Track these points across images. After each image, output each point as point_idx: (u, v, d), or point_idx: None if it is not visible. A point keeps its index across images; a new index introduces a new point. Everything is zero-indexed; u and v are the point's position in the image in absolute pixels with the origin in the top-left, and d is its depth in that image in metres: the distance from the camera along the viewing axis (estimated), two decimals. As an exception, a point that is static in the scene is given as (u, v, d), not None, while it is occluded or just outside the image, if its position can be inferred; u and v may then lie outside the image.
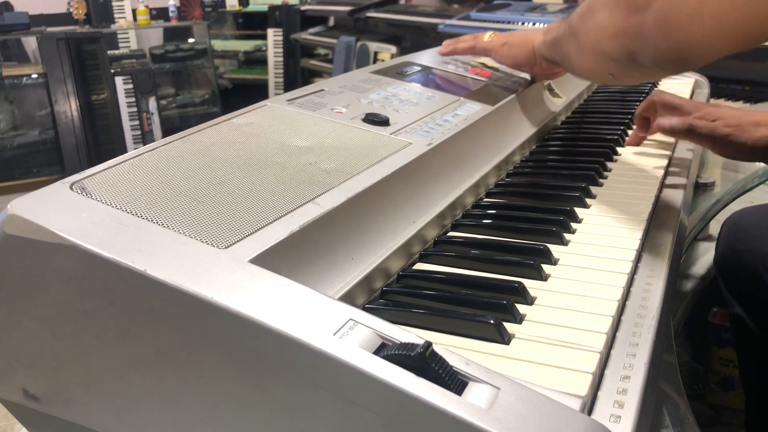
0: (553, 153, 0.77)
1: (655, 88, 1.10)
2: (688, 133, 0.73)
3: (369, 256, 0.47)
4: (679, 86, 1.12)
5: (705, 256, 0.97)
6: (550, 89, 0.94)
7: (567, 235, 0.55)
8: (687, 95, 1.06)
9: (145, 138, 3.47)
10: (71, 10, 3.58)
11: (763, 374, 0.84)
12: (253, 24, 4.30)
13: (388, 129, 0.62)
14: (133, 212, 0.40)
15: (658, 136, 0.82)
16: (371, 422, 0.30)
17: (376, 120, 0.62)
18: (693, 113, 0.75)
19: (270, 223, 0.42)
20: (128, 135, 3.44)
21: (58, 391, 0.42)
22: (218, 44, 4.28)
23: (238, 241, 0.39)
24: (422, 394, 0.29)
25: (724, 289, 0.83)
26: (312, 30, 3.90)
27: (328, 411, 0.31)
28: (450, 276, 0.49)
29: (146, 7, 3.75)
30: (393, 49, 3.09)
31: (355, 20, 3.43)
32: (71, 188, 0.42)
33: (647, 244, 0.55)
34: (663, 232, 0.57)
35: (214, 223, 0.41)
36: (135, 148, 0.50)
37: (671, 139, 0.81)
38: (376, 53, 3.16)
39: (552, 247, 0.52)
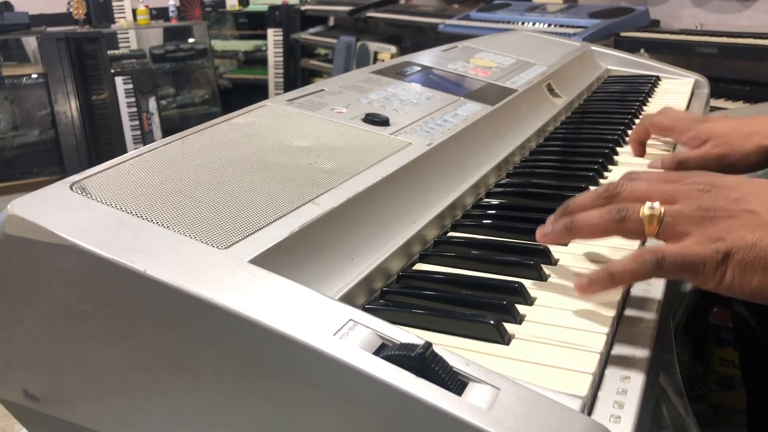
0: (553, 153, 0.77)
1: (656, 89, 1.10)
2: (680, 166, 0.70)
3: (369, 257, 0.47)
4: (679, 86, 1.12)
5: (705, 256, 0.96)
6: (550, 89, 0.94)
7: (567, 235, 0.55)
8: (687, 95, 1.06)
9: (145, 138, 3.47)
10: (71, 10, 3.58)
11: (764, 373, 0.84)
12: (253, 24, 4.30)
13: (388, 129, 0.62)
14: (133, 212, 0.40)
15: (660, 137, 0.81)
16: (371, 422, 0.30)
17: (376, 120, 0.62)
18: (684, 135, 0.72)
19: (270, 223, 0.42)
20: (128, 135, 3.45)
21: (58, 391, 0.42)
22: (218, 44, 4.28)
23: (238, 241, 0.39)
24: (422, 395, 0.29)
25: None
26: (312, 30, 3.90)
27: (328, 411, 0.31)
28: (450, 276, 0.49)
29: (146, 7, 3.76)
30: (393, 49, 3.10)
31: (355, 20, 3.43)
32: (71, 188, 0.42)
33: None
34: (663, 232, 0.57)
35: (214, 223, 0.41)
36: (135, 148, 0.50)
37: (670, 140, 0.81)
38: (376, 53, 3.16)
39: (552, 248, 0.52)
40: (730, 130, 0.69)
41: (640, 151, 0.78)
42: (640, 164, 0.74)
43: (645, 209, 0.43)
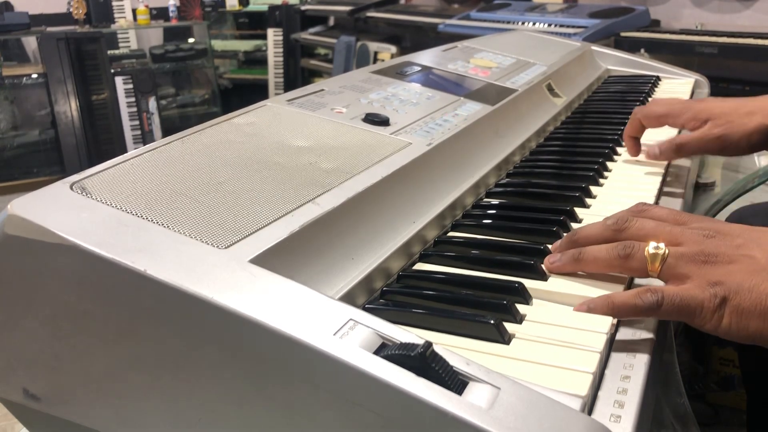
0: (553, 153, 0.77)
1: (656, 89, 1.10)
2: (679, 151, 0.69)
3: (369, 256, 0.47)
4: (679, 86, 1.12)
5: (705, 256, 0.96)
6: (550, 89, 0.94)
7: (567, 235, 0.55)
8: (687, 95, 1.06)
9: (145, 138, 3.47)
10: (71, 10, 3.58)
11: (764, 373, 0.84)
12: (253, 24, 4.30)
13: (388, 129, 0.62)
14: (133, 212, 0.40)
15: (659, 137, 0.81)
16: (371, 422, 0.30)
17: (376, 120, 0.62)
18: (681, 117, 0.71)
19: (270, 223, 0.42)
20: (128, 135, 3.45)
21: (58, 391, 0.42)
22: (218, 44, 4.28)
23: (238, 241, 0.39)
24: (422, 394, 0.29)
25: None
26: (312, 30, 3.90)
27: (328, 411, 0.31)
28: (450, 276, 0.49)
29: (146, 7, 3.75)
30: (393, 49, 3.10)
31: (355, 20, 3.43)
32: (71, 188, 0.42)
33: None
34: (663, 232, 0.57)
35: (214, 223, 0.41)
36: (135, 148, 0.50)
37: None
38: (376, 53, 3.16)
39: (552, 247, 0.52)
40: (730, 110, 0.67)
41: (635, 149, 0.77)
42: (640, 164, 0.74)
43: (650, 248, 0.44)
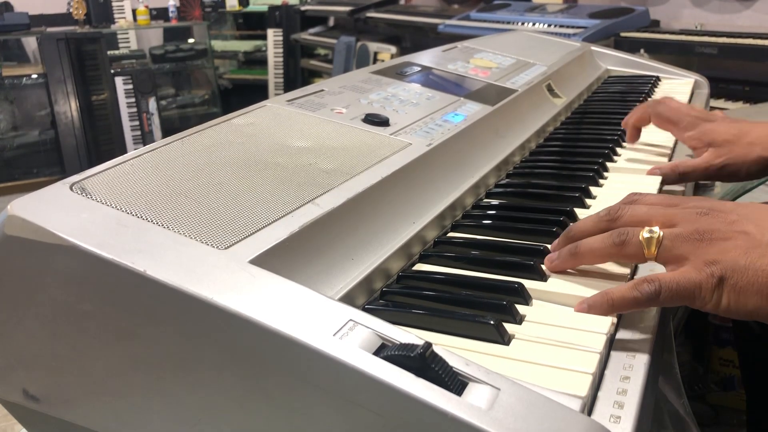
0: (553, 153, 0.77)
1: (656, 89, 1.10)
2: (681, 179, 0.69)
3: (369, 257, 0.47)
4: (679, 86, 1.12)
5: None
6: (550, 89, 0.94)
7: (567, 236, 0.55)
8: (687, 95, 1.06)
9: (145, 138, 3.47)
10: (71, 10, 3.58)
11: (763, 373, 0.84)
12: (253, 24, 4.30)
13: (388, 129, 0.62)
14: (133, 213, 0.40)
15: (659, 138, 0.81)
16: (371, 423, 0.30)
17: (376, 120, 0.62)
18: (686, 133, 0.70)
19: (270, 223, 0.42)
20: (128, 135, 3.45)
21: (58, 391, 0.42)
22: (218, 44, 4.28)
23: (238, 241, 0.39)
24: (422, 395, 0.29)
25: None
26: (312, 30, 3.90)
27: (327, 411, 0.31)
28: (450, 277, 0.49)
29: (146, 7, 3.76)
30: (393, 49, 3.10)
31: (355, 20, 3.43)
32: (71, 189, 0.42)
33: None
34: (663, 232, 0.57)
35: (214, 223, 0.41)
36: (135, 149, 0.50)
37: (670, 141, 0.81)
38: (376, 53, 3.16)
39: (552, 248, 0.52)
40: (733, 137, 0.67)
41: (635, 137, 0.76)
42: (640, 164, 0.74)
43: (644, 233, 0.44)
